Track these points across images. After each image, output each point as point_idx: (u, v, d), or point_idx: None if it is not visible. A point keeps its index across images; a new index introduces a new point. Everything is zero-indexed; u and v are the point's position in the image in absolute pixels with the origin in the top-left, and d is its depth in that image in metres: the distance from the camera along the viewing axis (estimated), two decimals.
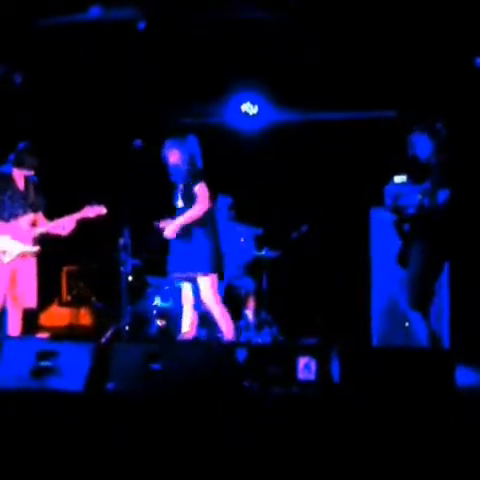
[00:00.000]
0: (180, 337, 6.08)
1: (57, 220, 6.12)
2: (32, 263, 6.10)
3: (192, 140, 5.99)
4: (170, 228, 5.88)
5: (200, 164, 5.96)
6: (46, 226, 6.14)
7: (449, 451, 3.46)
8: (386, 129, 7.39)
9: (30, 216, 6.09)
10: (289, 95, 7.97)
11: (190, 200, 5.89)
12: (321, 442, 3.63)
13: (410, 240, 5.27)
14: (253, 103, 8.29)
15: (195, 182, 5.85)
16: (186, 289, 6.01)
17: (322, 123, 8.27)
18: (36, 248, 6.09)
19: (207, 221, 5.91)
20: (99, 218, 6.16)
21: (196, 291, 5.91)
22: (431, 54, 7.10)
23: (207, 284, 5.85)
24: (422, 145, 5.38)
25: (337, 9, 6.81)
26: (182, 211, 5.94)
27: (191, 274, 5.88)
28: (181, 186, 5.94)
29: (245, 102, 8.31)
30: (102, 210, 6.13)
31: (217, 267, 5.90)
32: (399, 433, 3.61)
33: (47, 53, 7.40)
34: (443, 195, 5.10)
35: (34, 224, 6.13)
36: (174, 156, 5.94)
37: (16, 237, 6.01)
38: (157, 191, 6.29)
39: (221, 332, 6.03)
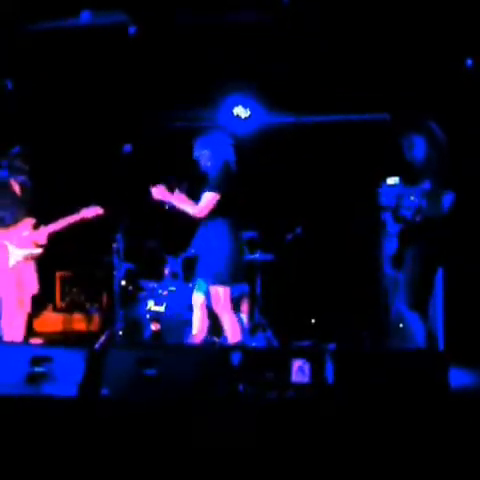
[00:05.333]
0: (188, 339, 6.00)
1: (45, 227, 6.12)
2: (33, 268, 6.11)
3: (220, 138, 5.84)
4: (164, 193, 5.74)
5: (232, 169, 5.79)
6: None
7: (443, 452, 3.47)
8: (380, 131, 7.39)
9: (31, 220, 6.10)
10: (281, 98, 7.97)
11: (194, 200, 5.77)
12: (316, 445, 3.63)
13: (407, 241, 5.24)
14: (245, 106, 8.29)
15: (207, 189, 5.69)
16: (196, 293, 5.90)
17: (315, 126, 8.27)
18: (38, 250, 6.10)
19: (226, 231, 5.75)
20: (97, 218, 6.16)
21: (207, 294, 5.85)
22: (423, 55, 7.12)
23: (215, 294, 5.78)
24: (417, 146, 5.35)
25: (329, 12, 6.83)
26: None
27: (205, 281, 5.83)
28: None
29: (237, 105, 8.31)
30: (98, 210, 6.15)
31: (230, 277, 5.76)
32: (393, 434, 3.61)
33: (37, 57, 7.40)
34: (448, 199, 5.06)
35: (35, 227, 6.12)
36: (203, 157, 5.81)
37: (17, 242, 6.01)
38: (149, 195, 6.26)
39: (225, 338, 5.97)
